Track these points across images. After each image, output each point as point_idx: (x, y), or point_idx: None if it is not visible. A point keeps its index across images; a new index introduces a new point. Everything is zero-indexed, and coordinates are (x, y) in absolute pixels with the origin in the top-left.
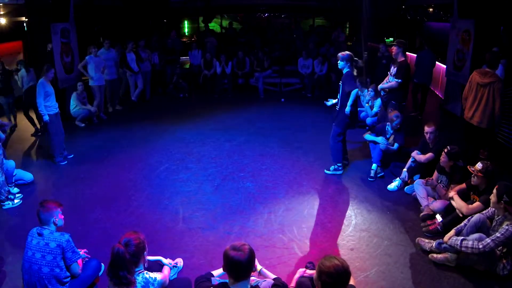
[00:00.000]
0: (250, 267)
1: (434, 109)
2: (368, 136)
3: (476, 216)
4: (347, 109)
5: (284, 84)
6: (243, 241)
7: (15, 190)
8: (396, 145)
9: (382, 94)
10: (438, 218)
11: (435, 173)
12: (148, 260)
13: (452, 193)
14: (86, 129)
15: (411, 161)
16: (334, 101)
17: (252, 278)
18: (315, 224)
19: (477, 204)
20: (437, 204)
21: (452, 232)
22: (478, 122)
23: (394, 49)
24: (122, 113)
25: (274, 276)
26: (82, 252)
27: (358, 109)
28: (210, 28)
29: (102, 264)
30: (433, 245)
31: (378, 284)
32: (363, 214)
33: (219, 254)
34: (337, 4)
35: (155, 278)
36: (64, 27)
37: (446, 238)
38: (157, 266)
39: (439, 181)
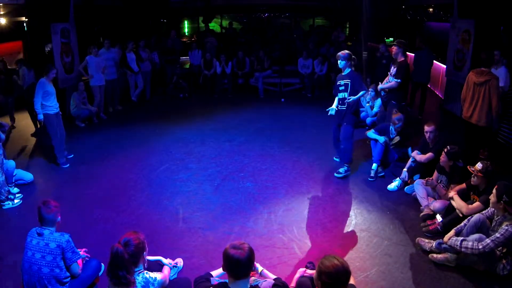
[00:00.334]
0: (250, 266)
1: (434, 109)
2: (370, 134)
3: (476, 216)
4: (351, 99)
5: (284, 84)
6: (243, 241)
7: (15, 190)
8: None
9: (382, 94)
10: (438, 218)
11: (435, 173)
12: (148, 260)
13: (452, 193)
14: (86, 129)
15: (411, 161)
16: (335, 105)
17: (252, 278)
18: (315, 224)
19: (477, 204)
20: (437, 204)
21: (452, 232)
22: (476, 120)
23: (394, 49)
24: (122, 113)
25: (275, 277)
26: (82, 252)
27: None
28: (210, 28)
29: (102, 264)
30: (433, 245)
31: (378, 284)
32: (363, 214)
33: (219, 254)
34: (337, 4)
35: (155, 278)
36: (64, 27)
37: (446, 238)
38: (157, 266)
39: (439, 181)
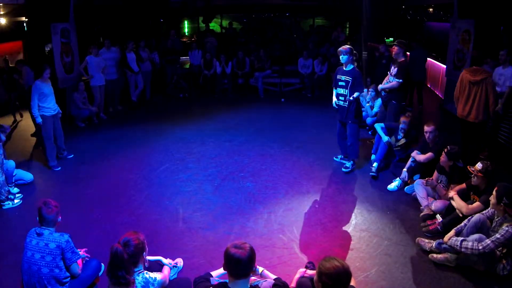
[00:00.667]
0: (251, 266)
1: (434, 109)
2: (378, 128)
3: (476, 216)
4: (356, 95)
5: (284, 84)
6: (244, 241)
7: (15, 190)
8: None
9: (382, 94)
10: (438, 218)
11: (435, 173)
12: (148, 260)
13: (452, 193)
14: (86, 129)
15: (411, 161)
16: (334, 99)
17: (252, 278)
18: (315, 224)
19: (477, 204)
20: (437, 204)
21: (452, 232)
22: (474, 118)
23: (395, 49)
24: (122, 113)
25: (275, 277)
26: (82, 252)
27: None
28: (210, 28)
29: (102, 264)
30: (433, 245)
31: (378, 284)
32: (363, 214)
33: (219, 254)
34: (337, 4)
35: (155, 278)
36: (64, 27)
37: (446, 238)
38: (157, 266)
39: (439, 181)
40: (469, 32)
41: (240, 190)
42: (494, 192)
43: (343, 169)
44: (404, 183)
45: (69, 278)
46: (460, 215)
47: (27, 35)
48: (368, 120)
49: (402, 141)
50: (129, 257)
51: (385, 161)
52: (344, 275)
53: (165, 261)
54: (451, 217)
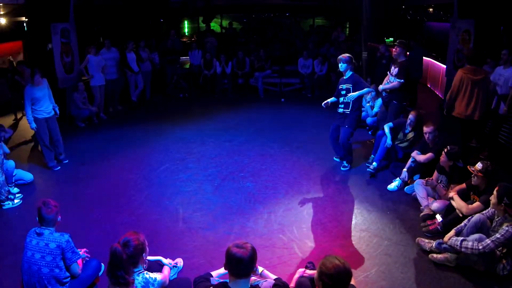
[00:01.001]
0: (252, 265)
1: (434, 109)
2: (387, 127)
3: (476, 216)
4: (354, 95)
5: (284, 84)
6: (245, 241)
7: (15, 190)
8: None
9: (383, 94)
10: (438, 218)
11: (435, 173)
12: (148, 260)
13: (452, 193)
14: (86, 129)
15: (411, 161)
16: (330, 100)
17: (252, 278)
18: (315, 224)
19: (477, 204)
20: (437, 204)
21: (452, 232)
22: (478, 117)
23: (397, 49)
24: (122, 113)
25: (275, 277)
26: (82, 252)
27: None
28: (210, 28)
29: (102, 264)
30: (433, 245)
31: (378, 284)
32: (363, 214)
33: (219, 254)
34: (337, 4)
35: (155, 278)
36: (64, 27)
37: (446, 238)
38: (157, 266)
39: (439, 181)
40: (469, 32)
41: (240, 190)
42: (495, 192)
43: (342, 168)
44: (404, 183)
45: (69, 278)
46: (460, 215)
47: (27, 35)
48: (368, 120)
49: (410, 135)
50: (128, 258)
51: (385, 162)
52: (345, 274)
53: (165, 261)
54: (451, 217)
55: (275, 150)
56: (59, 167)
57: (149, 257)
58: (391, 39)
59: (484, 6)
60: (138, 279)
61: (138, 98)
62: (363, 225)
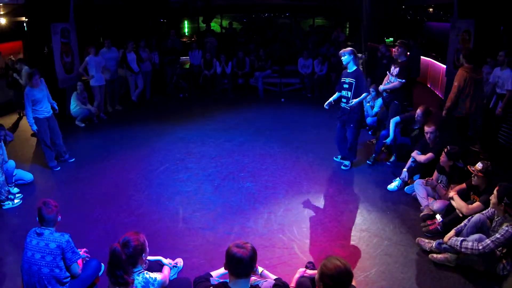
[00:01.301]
0: (252, 265)
1: (434, 109)
2: (393, 122)
3: (476, 216)
4: (353, 103)
5: (284, 84)
6: (245, 241)
7: (15, 190)
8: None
9: (384, 95)
10: (438, 218)
11: (435, 173)
12: (148, 260)
13: (452, 193)
14: (86, 129)
15: (411, 161)
16: (332, 99)
17: (253, 278)
18: (315, 224)
19: (477, 204)
20: (437, 204)
21: (452, 232)
22: (474, 114)
23: (398, 50)
24: (122, 113)
25: (275, 277)
26: (82, 252)
27: None
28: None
29: (102, 264)
30: (433, 245)
31: (378, 284)
32: (363, 214)
33: (219, 254)
34: (337, 4)
35: (155, 278)
36: (64, 27)
37: (446, 238)
38: (157, 266)
39: (439, 181)
40: (469, 32)
41: (240, 190)
42: (495, 192)
43: (342, 167)
44: (404, 183)
45: (69, 278)
46: (460, 215)
47: (27, 35)
48: (368, 120)
49: (416, 131)
50: (127, 258)
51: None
52: (345, 275)
53: (165, 261)
54: (451, 217)
55: (275, 150)
56: (59, 168)
57: (149, 257)
58: (391, 39)
59: (484, 6)
60: (138, 279)
61: (138, 98)
62: (363, 225)
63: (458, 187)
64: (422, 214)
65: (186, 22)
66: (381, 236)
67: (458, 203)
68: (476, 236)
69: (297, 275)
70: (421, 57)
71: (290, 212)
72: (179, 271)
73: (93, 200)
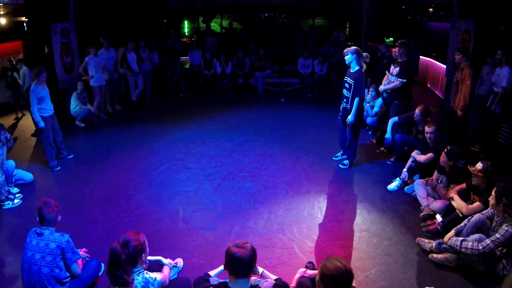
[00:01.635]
0: (252, 265)
1: (434, 109)
2: (391, 121)
3: (476, 216)
4: (351, 118)
5: (284, 84)
6: (245, 241)
7: (15, 190)
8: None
9: (384, 95)
10: (438, 218)
11: (435, 173)
12: (148, 260)
13: (452, 193)
14: (86, 129)
15: (411, 161)
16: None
17: (253, 278)
18: (315, 224)
19: (477, 204)
20: (437, 204)
21: (452, 232)
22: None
23: (400, 50)
24: (122, 113)
25: (276, 277)
26: (82, 252)
27: None
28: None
29: (102, 264)
30: (433, 245)
31: (378, 284)
32: (363, 214)
33: (219, 254)
34: (337, 4)
35: (155, 278)
36: (64, 27)
37: (446, 238)
38: (157, 266)
39: (439, 181)
40: (469, 32)
41: (240, 190)
42: (493, 193)
43: (341, 166)
44: (404, 183)
45: (69, 278)
46: (460, 215)
47: (27, 35)
48: (368, 120)
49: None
50: (127, 258)
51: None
52: (346, 276)
53: (165, 261)
54: (451, 217)
55: (275, 150)
56: (60, 167)
57: (149, 257)
58: (391, 39)
59: (484, 6)
60: (138, 279)
61: (138, 98)
62: (363, 225)
63: (458, 187)
64: (422, 214)
65: (186, 22)
66: (381, 236)
67: (458, 203)
68: (476, 236)
69: (297, 275)
70: (421, 56)
71: (290, 212)
72: (179, 271)
73: (93, 200)
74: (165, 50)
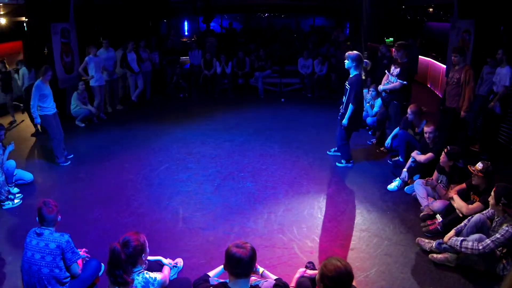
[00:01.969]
0: (251, 265)
1: (434, 109)
2: (390, 138)
3: (476, 216)
4: (344, 121)
5: (284, 84)
6: (245, 241)
7: (15, 190)
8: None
9: (383, 95)
10: (438, 218)
11: (435, 173)
12: (148, 260)
13: (452, 193)
14: (86, 129)
15: (411, 161)
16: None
17: (253, 278)
18: (315, 224)
19: (477, 204)
20: (437, 204)
21: (452, 232)
22: None
23: (398, 52)
24: (122, 113)
25: (276, 277)
26: (82, 252)
27: None
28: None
29: (102, 264)
30: (433, 245)
31: (378, 284)
32: (363, 214)
33: (219, 254)
34: (337, 4)
35: (155, 278)
36: (64, 27)
37: (446, 238)
38: (157, 266)
39: (439, 181)
40: (469, 32)
41: (240, 190)
42: (492, 193)
43: (338, 164)
44: (404, 183)
45: (69, 278)
46: (460, 215)
47: (27, 35)
48: (368, 120)
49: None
50: (127, 258)
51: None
52: (346, 277)
53: (165, 261)
54: (451, 217)
55: (275, 150)
56: (69, 162)
57: (149, 257)
58: (391, 39)
59: (484, 6)
60: (138, 279)
61: (138, 98)
62: (363, 225)
63: (458, 187)
64: (422, 214)
65: (186, 22)
66: (381, 236)
67: (458, 203)
68: (476, 236)
69: (297, 275)
70: (421, 56)
71: (290, 212)
72: (179, 271)
73: (93, 200)
74: (165, 50)
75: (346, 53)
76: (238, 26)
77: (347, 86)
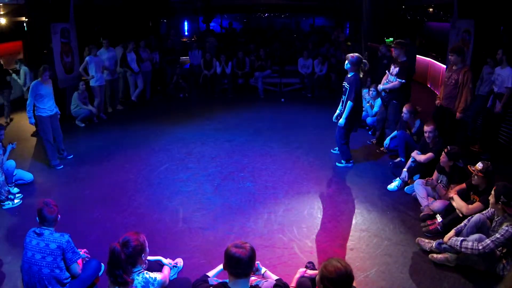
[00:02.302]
0: (251, 265)
1: (434, 109)
2: (388, 139)
3: (476, 216)
4: (342, 121)
5: (284, 84)
6: (244, 241)
7: (15, 190)
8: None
9: (383, 94)
10: (438, 218)
11: (435, 173)
12: (148, 260)
13: (452, 193)
14: (86, 129)
15: (411, 161)
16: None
17: (253, 278)
18: (315, 224)
19: (477, 204)
20: (437, 204)
21: (452, 232)
22: None
23: (396, 50)
24: (122, 113)
25: (277, 277)
26: (82, 252)
27: None
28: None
29: (102, 264)
30: (433, 245)
31: (378, 284)
32: (363, 214)
33: (219, 254)
34: (337, 4)
35: (155, 278)
36: (64, 27)
37: (446, 238)
38: (157, 266)
39: (439, 181)
40: (469, 32)
41: (240, 190)
42: (492, 192)
43: (337, 164)
44: (404, 183)
45: (70, 278)
46: (460, 215)
47: (27, 35)
48: (368, 120)
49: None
50: (127, 258)
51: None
52: (346, 278)
53: (165, 261)
54: (451, 217)
55: (275, 150)
56: (62, 166)
57: (149, 257)
58: (391, 39)
59: (484, 6)
60: (138, 279)
61: (138, 98)
62: (363, 225)
63: (458, 187)
64: (422, 214)
65: (186, 22)
66: (381, 236)
67: (458, 203)
68: (476, 236)
69: (297, 275)
70: (421, 56)
71: (290, 212)
72: (179, 271)
73: (93, 200)
74: (165, 50)
75: (347, 55)
76: (238, 26)
77: (346, 86)
